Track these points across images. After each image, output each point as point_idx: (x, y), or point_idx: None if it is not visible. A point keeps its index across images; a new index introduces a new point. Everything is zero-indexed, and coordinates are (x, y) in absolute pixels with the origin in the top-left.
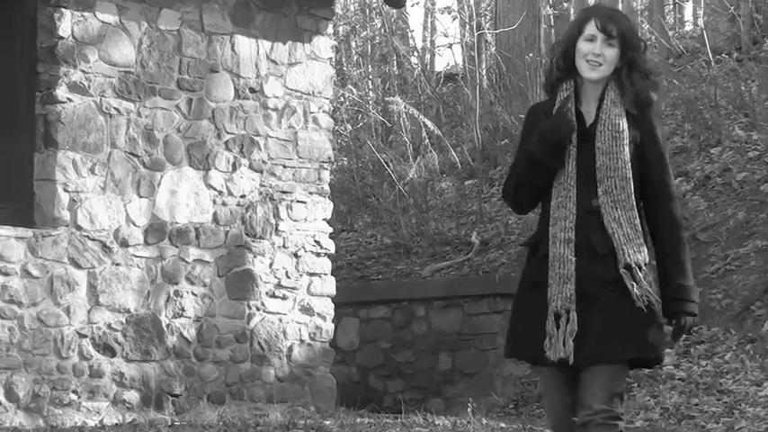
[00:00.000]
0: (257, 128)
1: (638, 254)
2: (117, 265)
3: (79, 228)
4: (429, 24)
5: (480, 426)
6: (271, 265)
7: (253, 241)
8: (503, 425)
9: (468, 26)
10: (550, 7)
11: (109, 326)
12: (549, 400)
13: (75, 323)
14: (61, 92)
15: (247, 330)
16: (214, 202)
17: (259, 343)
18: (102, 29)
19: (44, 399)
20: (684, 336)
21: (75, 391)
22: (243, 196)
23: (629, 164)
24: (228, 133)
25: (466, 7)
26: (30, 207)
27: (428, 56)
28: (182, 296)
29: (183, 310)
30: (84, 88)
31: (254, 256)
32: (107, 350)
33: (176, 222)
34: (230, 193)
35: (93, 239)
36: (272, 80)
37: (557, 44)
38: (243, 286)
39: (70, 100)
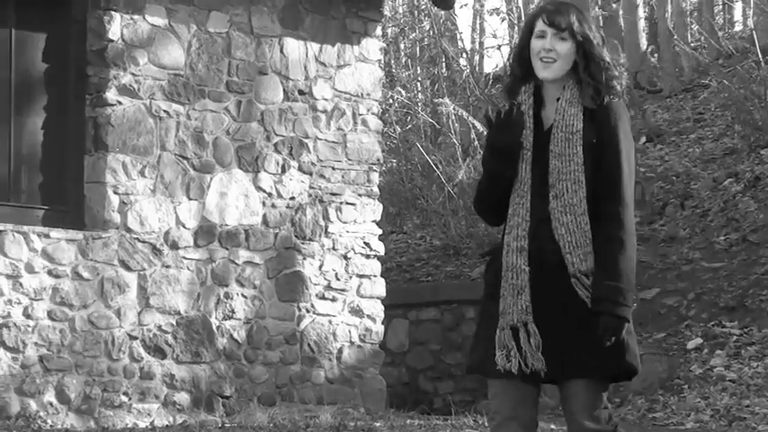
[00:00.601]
0: (306, 130)
1: (584, 262)
2: (167, 267)
3: (129, 230)
4: (478, 26)
5: None
6: (320, 266)
7: (302, 243)
8: (553, 426)
9: (516, 27)
10: (599, 8)
11: (159, 328)
12: (500, 409)
13: (126, 325)
14: (111, 95)
15: (297, 332)
16: (263, 204)
17: (309, 345)
18: (151, 32)
19: (95, 400)
20: (612, 339)
21: (125, 393)
22: (292, 198)
23: (583, 167)
24: (277, 135)
25: (514, 8)
26: (80, 209)
27: (477, 57)
28: (232, 298)
29: (233, 311)
30: (134, 91)
31: (304, 258)
32: (157, 352)
33: (226, 224)
34: (279, 196)
35: (144, 242)
36: (321, 82)
37: (513, 48)
38: (292, 288)
39: (120, 103)
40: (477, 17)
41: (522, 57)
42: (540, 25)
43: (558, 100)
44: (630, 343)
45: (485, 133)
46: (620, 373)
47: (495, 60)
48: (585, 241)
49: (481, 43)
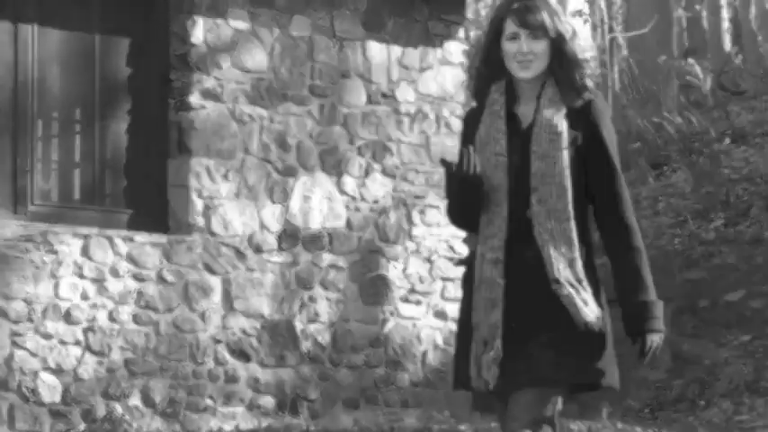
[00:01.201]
0: (389, 133)
1: (568, 269)
2: (251, 270)
3: (213, 234)
4: None
5: (615, 430)
6: (404, 270)
7: (386, 246)
8: (638, 429)
9: (599, 29)
10: (683, 9)
11: (243, 331)
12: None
13: (211, 329)
14: (194, 99)
15: (381, 335)
16: (347, 207)
17: (393, 348)
18: (234, 36)
19: (180, 404)
20: (652, 354)
21: (210, 397)
22: (376, 201)
23: (568, 170)
24: (361, 139)
25: (597, 10)
26: (164, 213)
27: None
28: (315, 302)
29: (317, 315)
30: (217, 95)
31: (388, 262)
32: (242, 356)
33: (309, 228)
34: (363, 199)
35: (227, 245)
36: (404, 85)
37: (477, 50)
38: (376, 291)
39: (203, 107)
40: None
41: (489, 57)
42: (511, 27)
43: (538, 98)
44: (597, 352)
45: (444, 172)
46: (581, 385)
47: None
48: (570, 248)
49: None
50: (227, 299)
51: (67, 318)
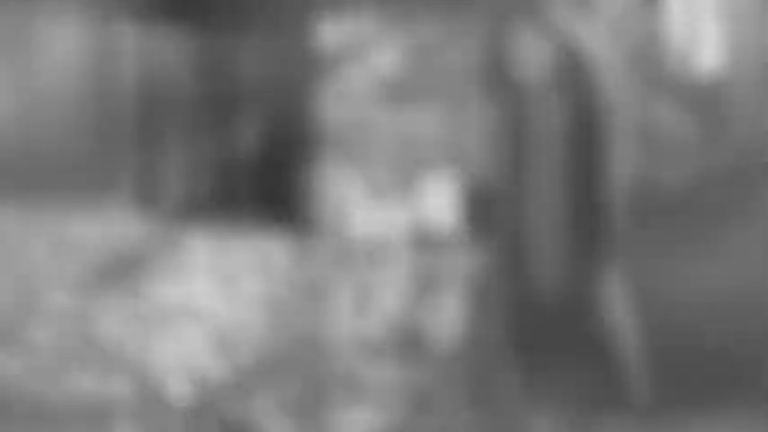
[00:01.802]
0: None
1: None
2: (381, 273)
3: (342, 235)
4: (689, 23)
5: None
6: None
7: None
8: None
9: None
10: None
11: (374, 335)
12: None
13: (341, 332)
14: (324, 102)
15: None
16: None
17: None
18: (362, 36)
19: (312, 407)
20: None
21: (341, 398)
22: None
23: (566, 171)
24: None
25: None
26: (294, 214)
27: (690, 56)
28: (447, 305)
29: (447, 318)
30: (346, 96)
31: None
32: (373, 359)
33: (441, 229)
34: None
35: (358, 248)
36: None
37: (492, 42)
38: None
39: (333, 110)
40: (688, 14)
41: (501, 57)
42: (519, 25)
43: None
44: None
45: None
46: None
47: (711, 59)
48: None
49: (694, 41)
50: (357, 301)
51: (197, 319)
